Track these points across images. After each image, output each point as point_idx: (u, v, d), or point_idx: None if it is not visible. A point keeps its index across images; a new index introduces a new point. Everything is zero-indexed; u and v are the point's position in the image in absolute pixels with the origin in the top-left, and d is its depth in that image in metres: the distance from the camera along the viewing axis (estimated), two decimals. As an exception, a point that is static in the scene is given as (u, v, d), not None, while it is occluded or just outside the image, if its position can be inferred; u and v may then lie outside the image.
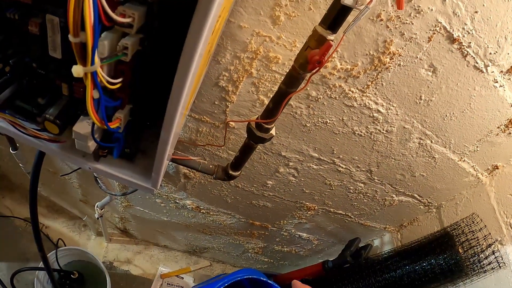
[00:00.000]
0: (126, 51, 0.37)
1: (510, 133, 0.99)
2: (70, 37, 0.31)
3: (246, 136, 0.77)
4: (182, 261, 2.15)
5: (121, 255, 2.02)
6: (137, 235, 2.04)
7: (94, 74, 0.34)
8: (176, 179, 1.24)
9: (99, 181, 1.19)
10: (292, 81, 0.61)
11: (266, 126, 0.75)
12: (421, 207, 1.30)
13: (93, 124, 0.42)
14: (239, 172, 0.94)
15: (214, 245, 1.93)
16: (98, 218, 1.53)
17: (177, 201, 1.40)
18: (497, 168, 1.14)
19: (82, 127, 0.44)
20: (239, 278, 0.77)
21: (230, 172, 0.93)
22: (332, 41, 0.51)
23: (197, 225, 1.62)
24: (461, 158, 1.07)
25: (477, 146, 1.03)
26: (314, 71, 0.56)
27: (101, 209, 1.47)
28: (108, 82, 0.37)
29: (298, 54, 0.56)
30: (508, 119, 0.95)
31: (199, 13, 0.29)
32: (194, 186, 1.26)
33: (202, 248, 2.03)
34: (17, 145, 1.18)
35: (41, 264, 1.58)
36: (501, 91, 0.85)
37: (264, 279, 0.69)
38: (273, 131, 0.78)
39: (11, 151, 1.18)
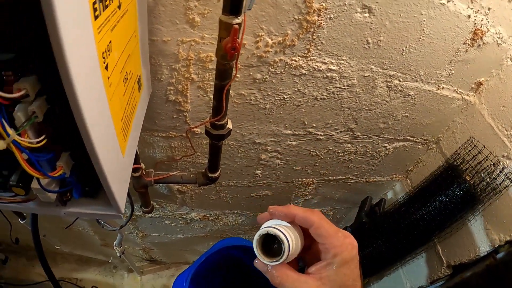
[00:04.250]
0: (36, 114, 0.42)
1: (479, 45, 0.95)
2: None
3: (210, 138, 0.77)
4: (216, 270, 2.16)
5: (156, 284, 2.07)
6: (165, 260, 2.08)
7: (15, 142, 0.39)
8: (173, 197, 1.25)
9: (101, 222, 1.21)
10: (222, 74, 0.63)
11: (220, 123, 0.75)
12: (419, 146, 1.27)
13: (37, 178, 0.48)
14: (218, 172, 0.94)
15: (239, 246, 1.94)
16: (120, 256, 1.56)
17: (184, 216, 1.41)
18: (481, 84, 1.09)
19: (36, 182, 0.49)
20: (216, 250, 0.73)
21: (210, 175, 0.94)
22: (239, 24, 0.53)
23: (213, 232, 1.63)
24: (439, 86, 1.03)
25: (450, 70, 0.99)
26: (235, 58, 0.58)
27: (120, 247, 1.50)
28: (32, 143, 0.43)
29: (216, 48, 0.58)
30: (471, 31, 0.90)
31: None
32: (192, 198, 1.26)
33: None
34: (24, 214, 1.25)
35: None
36: (451, 6, 0.81)
37: (237, 244, 0.66)
38: (229, 125, 0.78)
39: (20, 221, 1.25)
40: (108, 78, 0.45)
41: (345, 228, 1.38)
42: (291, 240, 0.42)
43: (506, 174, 0.99)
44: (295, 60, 0.79)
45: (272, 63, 0.78)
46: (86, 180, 0.57)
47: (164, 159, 1.04)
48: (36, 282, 1.95)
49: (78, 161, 0.53)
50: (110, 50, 0.45)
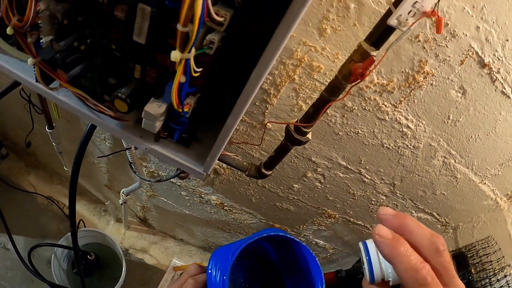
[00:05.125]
0: (211, 45, 0.41)
1: (532, 161, 1.03)
2: (179, 27, 0.34)
3: (282, 138, 0.81)
4: (197, 256, 2.19)
5: (137, 244, 2.09)
6: (155, 225, 2.11)
7: (187, 61, 0.37)
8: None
9: (133, 167, 1.25)
10: (334, 90, 0.66)
11: (304, 129, 0.80)
12: (438, 226, 1.33)
13: (170, 105, 0.47)
14: (271, 171, 0.99)
15: (230, 244, 1.97)
16: (121, 204, 1.58)
17: (203, 195, 1.47)
18: (517, 194, 1.17)
19: (152, 108, 0.48)
20: (256, 238, 0.68)
21: (263, 170, 0.98)
22: (375, 56, 0.56)
23: (218, 221, 1.68)
24: (482, 180, 1.11)
25: (498, 170, 1.07)
26: (355, 82, 0.61)
27: (127, 195, 1.53)
28: (194, 70, 0.40)
29: (342, 65, 0.61)
30: (530, 144, 0.98)
31: (286, 20, 0.34)
32: (222, 182, 1.32)
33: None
34: (53, 124, 1.21)
35: (60, 241, 1.65)
36: (525, 116, 0.89)
37: (287, 236, 0.63)
38: (309, 135, 0.83)
39: (47, 129, 1.21)
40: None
41: (340, 270, 1.43)
42: (375, 263, 0.38)
43: (507, 282, 1.06)
44: (385, 105, 0.88)
45: (366, 98, 0.86)
46: (189, 127, 0.56)
47: (221, 137, 1.09)
48: (24, 190, 1.96)
49: (201, 106, 0.53)
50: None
